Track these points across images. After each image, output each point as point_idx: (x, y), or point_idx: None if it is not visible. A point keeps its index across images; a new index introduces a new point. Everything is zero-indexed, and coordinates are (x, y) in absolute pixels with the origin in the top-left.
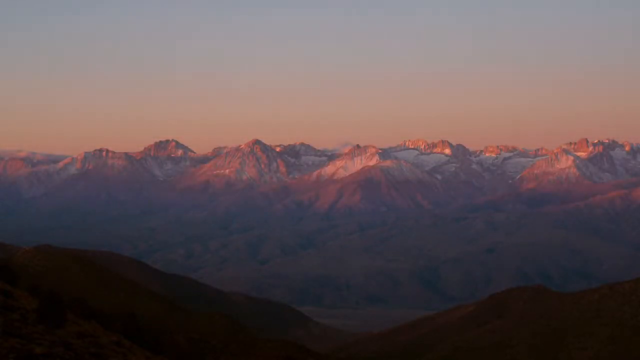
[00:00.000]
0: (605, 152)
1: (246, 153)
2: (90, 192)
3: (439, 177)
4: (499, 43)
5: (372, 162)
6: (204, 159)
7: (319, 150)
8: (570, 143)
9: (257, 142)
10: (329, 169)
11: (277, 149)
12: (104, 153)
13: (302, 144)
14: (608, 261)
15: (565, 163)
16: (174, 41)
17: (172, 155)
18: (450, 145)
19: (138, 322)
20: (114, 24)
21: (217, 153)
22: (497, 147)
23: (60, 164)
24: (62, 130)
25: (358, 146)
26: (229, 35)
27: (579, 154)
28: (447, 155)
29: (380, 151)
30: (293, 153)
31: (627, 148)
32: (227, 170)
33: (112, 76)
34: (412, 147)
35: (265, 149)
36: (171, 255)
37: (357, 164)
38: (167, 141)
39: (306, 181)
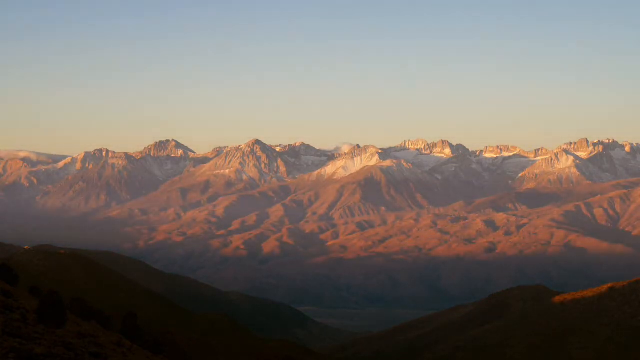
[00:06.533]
0: (605, 152)
1: (246, 153)
2: (90, 192)
3: (439, 177)
4: (499, 43)
5: (372, 162)
6: (204, 159)
7: (319, 150)
8: (570, 143)
9: (257, 142)
10: (329, 169)
11: (277, 149)
12: (104, 153)
13: (302, 144)
14: (608, 261)
15: (565, 163)
16: (174, 41)
17: (172, 155)
18: (450, 145)
19: (138, 322)
20: (114, 23)
21: (217, 153)
22: (497, 147)
23: (60, 164)
24: (62, 130)
25: (358, 146)
26: (230, 35)
27: (579, 154)
28: (447, 155)
29: (380, 151)
30: (293, 153)
31: (627, 148)
32: (227, 170)
33: (112, 76)
34: (412, 147)
35: (265, 149)
36: (171, 255)
37: (357, 164)
38: (167, 141)
39: (306, 181)
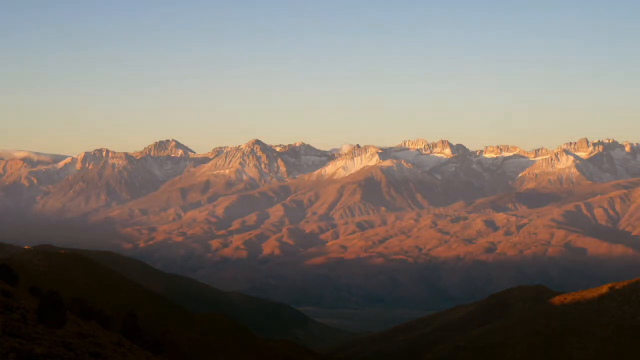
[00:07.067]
0: (605, 152)
1: (246, 153)
2: (90, 192)
3: (439, 177)
4: (499, 43)
5: (372, 162)
6: (204, 159)
7: (319, 150)
8: (570, 143)
9: (257, 142)
10: (329, 169)
11: (277, 149)
12: (104, 153)
13: (302, 144)
14: (608, 261)
15: (565, 163)
16: (174, 41)
17: (172, 155)
18: (450, 145)
19: (138, 322)
20: (114, 23)
21: (217, 153)
22: (497, 147)
23: (60, 164)
24: (62, 130)
25: (358, 146)
26: (229, 35)
27: (579, 154)
28: (447, 155)
29: (380, 151)
30: (293, 153)
31: (627, 148)
32: (227, 170)
33: (113, 76)
34: (412, 147)
35: (265, 149)
36: (171, 255)
37: (357, 164)
38: (167, 141)
39: (306, 181)
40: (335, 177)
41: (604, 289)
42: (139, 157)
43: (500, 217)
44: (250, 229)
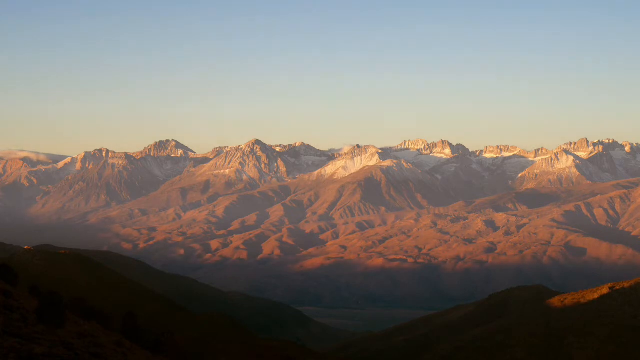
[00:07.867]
0: (605, 152)
1: (246, 153)
2: (90, 192)
3: (439, 177)
4: (499, 43)
5: (372, 162)
6: (204, 159)
7: (319, 150)
8: (570, 143)
9: (257, 142)
10: (329, 169)
11: (277, 149)
12: (104, 153)
13: (302, 144)
14: (608, 261)
15: (565, 163)
16: (174, 41)
17: (172, 155)
18: (450, 145)
19: (138, 322)
20: (115, 23)
21: (217, 153)
22: (497, 147)
23: (60, 164)
24: (62, 130)
25: (358, 146)
26: (230, 35)
27: (579, 154)
28: (447, 155)
29: (380, 151)
30: (293, 153)
31: (627, 148)
32: (227, 170)
33: (112, 76)
34: (412, 147)
35: (265, 149)
36: (171, 255)
37: (357, 164)
38: (167, 141)
39: (306, 181)
40: (335, 177)
41: (604, 289)
42: (139, 157)
43: (500, 217)
44: (250, 229)
